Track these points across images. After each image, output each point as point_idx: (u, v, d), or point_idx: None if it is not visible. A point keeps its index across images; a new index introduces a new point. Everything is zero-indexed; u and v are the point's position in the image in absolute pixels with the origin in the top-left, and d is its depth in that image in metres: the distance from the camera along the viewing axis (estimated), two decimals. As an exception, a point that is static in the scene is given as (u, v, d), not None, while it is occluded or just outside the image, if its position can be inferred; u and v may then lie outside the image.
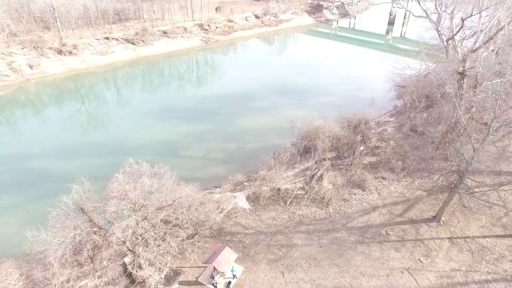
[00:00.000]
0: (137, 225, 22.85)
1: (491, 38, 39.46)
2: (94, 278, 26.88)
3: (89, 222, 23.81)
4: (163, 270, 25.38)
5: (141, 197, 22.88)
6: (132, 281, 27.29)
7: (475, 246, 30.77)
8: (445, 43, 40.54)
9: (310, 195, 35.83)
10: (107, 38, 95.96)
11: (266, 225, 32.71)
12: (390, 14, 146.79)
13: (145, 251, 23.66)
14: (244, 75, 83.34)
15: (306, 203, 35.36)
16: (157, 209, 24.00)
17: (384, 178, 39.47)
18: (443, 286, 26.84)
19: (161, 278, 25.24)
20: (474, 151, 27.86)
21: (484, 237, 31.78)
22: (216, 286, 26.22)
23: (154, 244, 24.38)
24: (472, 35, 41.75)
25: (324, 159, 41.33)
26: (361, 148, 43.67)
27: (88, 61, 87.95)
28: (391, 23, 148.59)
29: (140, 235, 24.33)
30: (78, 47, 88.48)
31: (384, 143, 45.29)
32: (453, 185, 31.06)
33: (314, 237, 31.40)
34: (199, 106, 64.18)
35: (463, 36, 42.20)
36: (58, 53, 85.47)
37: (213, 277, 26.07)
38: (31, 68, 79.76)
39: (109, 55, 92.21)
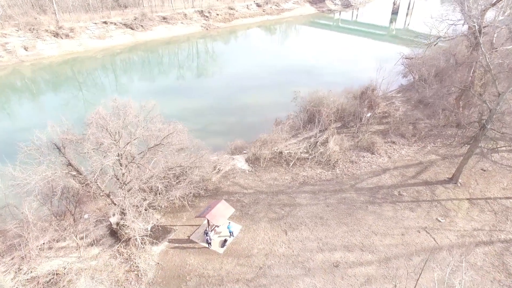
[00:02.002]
0: (120, 164, 20.02)
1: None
2: (76, 238, 24.16)
3: (67, 165, 21.03)
4: (149, 221, 22.50)
5: (125, 133, 20.09)
6: (117, 241, 24.55)
7: (498, 207, 27.82)
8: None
9: (315, 156, 32.93)
10: (105, 22, 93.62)
11: (267, 185, 29.86)
12: (394, 3, 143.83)
13: (129, 199, 20.81)
14: (245, 59, 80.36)
15: (310, 165, 32.48)
16: (143, 151, 21.14)
17: (394, 142, 36.58)
18: (465, 245, 23.87)
19: (147, 229, 22.39)
20: (499, 96, 24.93)
21: (507, 198, 28.81)
22: (210, 243, 23.39)
23: (140, 191, 21.53)
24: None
25: (329, 125, 38.42)
26: (368, 114, 40.76)
27: (86, 45, 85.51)
28: (395, 12, 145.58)
29: (124, 182, 21.52)
30: (75, 31, 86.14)
31: (393, 108, 42.31)
32: (473, 140, 28.09)
33: (320, 197, 28.52)
34: (198, 85, 61.52)
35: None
36: (54, 36, 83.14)
37: (206, 233, 23.23)
38: (26, 50, 77.38)
39: (107, 39, 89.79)
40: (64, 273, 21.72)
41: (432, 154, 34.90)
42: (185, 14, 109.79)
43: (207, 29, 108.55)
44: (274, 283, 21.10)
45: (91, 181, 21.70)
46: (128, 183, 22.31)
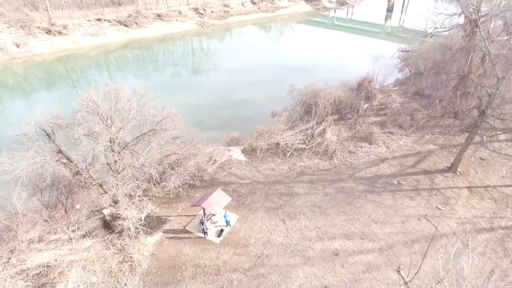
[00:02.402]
0: (112, 150, 19.28)
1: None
2: (68, 230, 23.38)
3: (57, 153, 20.24)
4: (143, 210, 21.79)
5: (117, 118, 19.34)
6: (111, 232, 23.80)
7: (498, 195, 27.52)
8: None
9: (312, 147, 32.42)
10: (99, 19, 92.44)
11: (264, 176, 29.27)
12: (389, 1, 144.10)
13: (122, 187, 20.08)
14: (241, 56, 79.57)
15: (308, 155, 31.96)
16: (136, 138, 20.42)
17: (392, 133, 36.20)
18: (466, 232, 23.47)
19: (141, 219, 21.67)
20: (498, 81, 24.62)
21: (507, 186, 28.53)
22: (206, 233, 22.73)
23: (133, 178, 20.80)
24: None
25: (326, 116, 37.94)
26: (365, 106, 40.35)
27: (79, 42, 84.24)
28: (389, 10, 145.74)
29: (117, 171, 20.81)
30: (68, 28, 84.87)
31: (390, 99, 41.97)
32: (472, 127, 27.78)
33: (318, 186, 28.00)
34: (193, 81, 60.76)
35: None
36: (46, 33, 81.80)
37: (202, 223, 22.57)
38: (18, 47, 75.99)
39: (101, 37, 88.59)
40: (55, 266, 20.95)
41: (430, 144, 34.57)
42: (180, 11, 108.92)
43: (202, 26, 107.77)
44: (272, 272, 20.51)
45: (82, 169, 20.95)
46: (121, 171, 21.60)
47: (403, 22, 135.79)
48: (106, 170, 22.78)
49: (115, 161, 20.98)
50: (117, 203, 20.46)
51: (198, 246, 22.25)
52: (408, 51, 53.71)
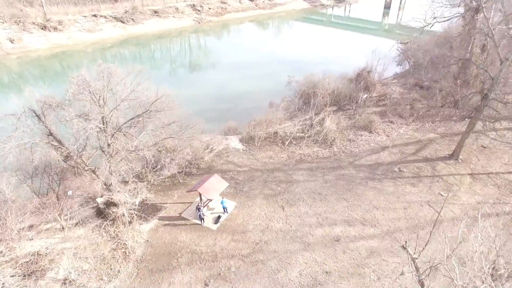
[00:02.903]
0: (104, 131, 18.50)
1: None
2: (60, 218, 22.59)
3: (48, 135, 19.45)
4: (137, 195, 21.04)
5: (110, 99, 18.57)
6: (105, 221, 23.03)
7: (501, 181, 26.96)
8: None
9: (311, 135, 31.77)
10: (95, 15, 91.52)
11: (262, 163, 28.58)
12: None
13: (115, 168, 19.30)
14: (238, 52, 78.83)
15: (307, 144, 31.30)
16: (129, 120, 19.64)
17: (392, 122, 35.63)
18: (470, 218, 22.81)
19: (134, 204, 20.92)
20: (501, 63, 24.05)
21: (510, 172, 27.97)
22: (203, 219, 22.01)
23: (127, 162, 20.04)
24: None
25: (325, 107, 37.26)
26: (364, 96, 39.74)
27: (75, 38, 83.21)
28: (387, 7, 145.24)
29: (110, 155, 20.04)
30: (63, 23, 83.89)
31: (390, 89, 41.40)
32: (474, 112, 27.22)
33: (318, 173, 27.34)
34: (190, 76, 60.01)
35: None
36: (42, 29, 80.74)
37: (199, 209, 21.84)
38: (12, 42, 74.91)
39: (97, 33, 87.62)
40: (46, 254, 20.16)
41: (431, 133, 34.01)
42: (177, 8, 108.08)
43: (199, 23, 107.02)
44: (271, 258, 19.82)
45: (74, 153, 20.16)
46: (114, 155, 20.84)
47: (400, 19, 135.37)
48: (99, 155, 22.00)
49: (108, 144, 20.21)
50: (109, 187, 19.65)
51: (195, 233, 21.53)
52: (407, 42, 53.16)
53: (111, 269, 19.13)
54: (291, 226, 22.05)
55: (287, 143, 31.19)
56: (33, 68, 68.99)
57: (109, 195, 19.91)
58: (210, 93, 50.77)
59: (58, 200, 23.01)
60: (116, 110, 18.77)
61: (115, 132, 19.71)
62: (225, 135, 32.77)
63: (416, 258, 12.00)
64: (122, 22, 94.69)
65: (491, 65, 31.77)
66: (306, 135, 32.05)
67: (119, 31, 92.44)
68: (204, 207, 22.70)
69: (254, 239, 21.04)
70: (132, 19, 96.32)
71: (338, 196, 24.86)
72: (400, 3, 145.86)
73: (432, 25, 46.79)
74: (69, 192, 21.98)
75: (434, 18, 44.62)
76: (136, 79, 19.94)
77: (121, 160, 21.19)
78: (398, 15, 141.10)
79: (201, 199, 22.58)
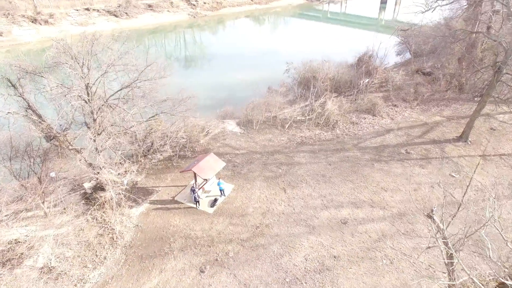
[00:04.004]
0: (88, 102, 16.63)
1: None
2: (42, 205, 20.70)
3: (26, 109, 17.57)
4: (126, 175, 19.20)
5: (96, 71, 16.71)
6: (92, 206, 21.18)
7: (514, 162, 25.44)
8: None
9: (312, 118, 30.11)
10: (87, 9, 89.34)
11: (261, 146, 26.85)
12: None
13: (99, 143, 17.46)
14: (235, 43, 77.08)
15: (308, 126, 29.63)
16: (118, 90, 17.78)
17: (395, 105, 34.09)
18: (485, 200, 21.28)
19: (122, 183, 19.08)
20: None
21: (523, 154, 26.51)
22: (198, 202, 20.22)
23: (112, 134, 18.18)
24: None
25: (326, 91, 35.61)
26: (366, 80, 38.19)
27: (67, 32, 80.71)
28: (384, 2, 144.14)
29: (97, 132, 18.20)
30: (55, 17, 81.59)
31: (393, 73, 39.87)
32: (486, 88, 25.72)
33: (321, 155, 25.67)
34: (185, 67, 58.15)
35: None
36: (32, 22, 78.46)
37: (193, 191, 20.04)
38: (1, 35, 72.80)
39: (89, 26, 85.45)
40: (26, 241, 18.26)
41: (436, 116, 32.51)
42: (172, 1, 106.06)
43: (194, 17, 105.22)
44: (273, 242, 18.11)
45: (56, 129, 18.32)
46: (101, 132, 19.00)
47: (397, 14, 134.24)
48: (86, 135, 20.13)
49: (94, 119, 18.37)
50: (94, 167, 17.81)
51: (189, 217, 19.76)
52: (407, 29, 51.66)
53: (96, 255, 17.30)
54: (294, 209, 20.35)
55: (287, 126, 29.49)
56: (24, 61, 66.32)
57: (93, 174, 18.01)
58: (205, 84, 48.95)
59: (40, 183, 21.15)
60: (103, 78, 16.90)
61: (101, 105, 17.86)
62: (222, 119, 30.98)
63: (443, 230, 10.33)
64: (116, 16, 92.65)
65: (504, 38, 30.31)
66: (307, 118, 30.36)
67: (112, 25, 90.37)
68: (199, 189, 20.93)
69: (254, 223, 19.32)
70: (126, 13, 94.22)
71: (343, 178, 23.21)
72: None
73: (434, 9, 45.36)
74: (52, 174, 20.12)
75: (436, 1, 43.22)
76: (123, 46, 18.12)
77: (109, 138, 19.39)
78: (394, 10, 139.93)
79: (196, 180, 20.80)
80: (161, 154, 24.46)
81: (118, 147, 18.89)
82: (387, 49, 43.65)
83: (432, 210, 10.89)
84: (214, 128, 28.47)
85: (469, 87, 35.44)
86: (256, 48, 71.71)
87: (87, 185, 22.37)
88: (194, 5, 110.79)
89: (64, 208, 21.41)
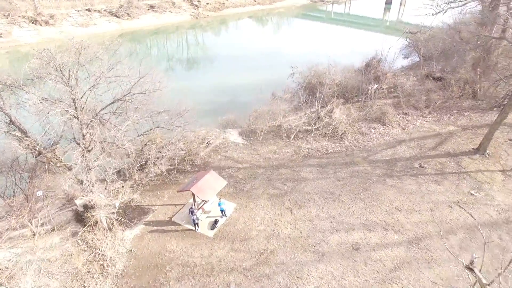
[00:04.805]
0: (76, 118, 15.09)
1: None
2: (31, 224, 19.23)
3: (8, 124, 16.06)
4: (118, 196, 17.65)
5: (85, 82, 15.15)
6: (83, 225, 19.69)
7: (537, 178, 23.64)
8: None
9: (319, 128, 28.44)
10: (88, 10, 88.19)
11: (265, 159, 25.22)
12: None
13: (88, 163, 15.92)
14: (237, 45, 75.41)
15: (315, 137, 27.97)
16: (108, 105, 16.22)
17: (406, 114, 32.33)
18: (510, 221, 19.59)
19: (114, 206, 17.53)
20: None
21: (546, 169, 24.69)
22: (197, 225, 18.63)
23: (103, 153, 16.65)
24: None
25: (332, 98, 33.88)
26: (375, 86, 36.43)
27: (67, 33, 79.46)
28: (388, 2, 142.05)
29: (87, 148, 16.66)
30: (55, 17, 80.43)
31: (402, 78, 38.08)
32: (508, 98, 23.95)
33: (329, 170, 24.01)
34: (186, 69, 56.65)
35: None
36: (32, 23, 77.43)
37: (192, 212, 18.46)
38: (1, 36, 71.72)
39: (90, 27, 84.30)
40: (7, 268, 16.75)
41: (450, 125, 30.72)
42: (174, 2, 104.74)
43: (196, 18, 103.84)
44: (279, 272, 16.49)
45: (44, 146, 16.81)
46: (91, 149, 17.46)
47: (402, 15, 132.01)
48: (74, 149, 18.61)
49: (83, 135, 16.82)
50: (82, 183, 16.29)
51: (187, 241, 18.17)
52: (416, 32, 49.86)
53: (84, 286, 15.75)
54: (301, 232, 18.72)
55: (292, 136, 27.84)
56: (24, 63, 65.04)
57: (82, 196, 16.47)
58: (207, 86, 47.41)
59: (28, 201, 19.66)
60: (92, 91, 15.34)
61: (91, 120, 16.31)
62: (223, 129, 29.38)
63: (488, 285, 8.62)
64: (117, 16, 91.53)
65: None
66: (313, 128, 28.70)
67: (113, 26, 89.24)
68: (198, 209, 19.34)
69: (258, 248, 17.70)
70: (128, 14, 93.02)
71: (353, 196, 21.53)
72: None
73: (445, 11, 43.51)
74: (39, 193, 18.60)
75: (448, 3, 41.37)
76: (115, 56, 16.54)
77: (100, 154, 17.86)
78: (399, 11, 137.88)
79: (194, 200, 19.21)
80: (158, 168, 22.85)
81: (110, 165, 17.32)
82: (395, 53, 41.88)
83: (472, 262, 9.17)
84: (215, 138, 26.88)
85: (483, 94, 33.64)
86: (259, 49, 70.11)
87: (79, 202, 20.82)
88: (196, 5, 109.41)
89: (53, 228, 19.99)
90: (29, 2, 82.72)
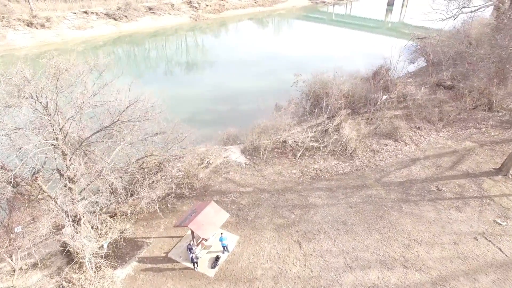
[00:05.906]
0: (58, 148, 13.18)
1: None
2: (10, 260, 17.34)
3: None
4: (106, 236, 15.70)
5: (68, 107, 13.23)
6: (71, 260, 17.80)
7: None
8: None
9: (327, 146, 26.51)
10: (85, 12, 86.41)
11: (270, 182, 23.29)
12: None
13: (70, 204, 14.01)
14: (238, 49, 73.48)
15: (323, 156, 26.04)
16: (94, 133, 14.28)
17: (419, 128, 30.41)
18: (542, 256, 17.67)
19: (102, 247, 15.58)
20: None
21: None
22: (196, 263, 16.70)
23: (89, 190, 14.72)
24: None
25: (339, 110, 31.99)
26: (384, 97, 34.55)
27: (64, 36, 77.95)
28: (390, 4, 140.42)
29: (71, 179, 14.74)
30: (51, 20, 78.59)
31: (412, 87, 36.19)
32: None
33: (339, 195, 22.08)
34: (185, 75, 54.73)
35: None
36: (27, 26, 75.59)
37: (191, 249, 16.54)
38: (-5, 40, 69.87)
39: (88, 30, 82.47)
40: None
41: (467, 141, 28.80)
42: (173, 4, 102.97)
43: (196, 20, 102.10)
44: (288, 320, 14.57)
45: (22, 178, 14.90)
46: (76, 181, 15.53)
47: (404, 17, 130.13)
48: (58, 179, 16.71)
49: (67, 166, 14.89)
50: (72, 221, 14.37)
51: (185, 282, 16.24)
52: (424, 38, 47.95)
53: None
54: (311, 271, 16.79)
55: (298, 155, 25.93)
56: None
57: (61, 239, 14.56)
58: (207, 93, 45.48)
59: (7, 235, 17.72)
60: (74, 120, 13.41)
61: (75, 150, 14.37)
62: (224, 145, 27.46)
63: None
64: (115, 19, 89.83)
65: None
66: (321, 145, 26.77)
67: (111, 28, 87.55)
68: (197, 245, 17.40)
69: (264, 291, 15.79)
70: (125, 16, 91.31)
71: (367, 225, 19.61)
72: (403, 0, 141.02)
73: (456, 17, 41.59)
74: (17, 229, 16.62)
75: (460, 9, 39.47)
76: (101, 78, 14.60)
77: (87, 185, 15.96)
78: (401, 12, 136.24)
79: (193, 236, 17.28)
80: (154, 193, 20.88)
81: (98, 198, 15.40)
82: (404, 61, 39.99)
83: None
84: (215, 157, 24.97)
85: (499, 106, 31.76)
86: (260, 52, 68.33)
87: (67, 231, 18.91)
88: (196, 7, 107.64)
89: (36, 263, 18.09)
90: (24, 5, 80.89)
